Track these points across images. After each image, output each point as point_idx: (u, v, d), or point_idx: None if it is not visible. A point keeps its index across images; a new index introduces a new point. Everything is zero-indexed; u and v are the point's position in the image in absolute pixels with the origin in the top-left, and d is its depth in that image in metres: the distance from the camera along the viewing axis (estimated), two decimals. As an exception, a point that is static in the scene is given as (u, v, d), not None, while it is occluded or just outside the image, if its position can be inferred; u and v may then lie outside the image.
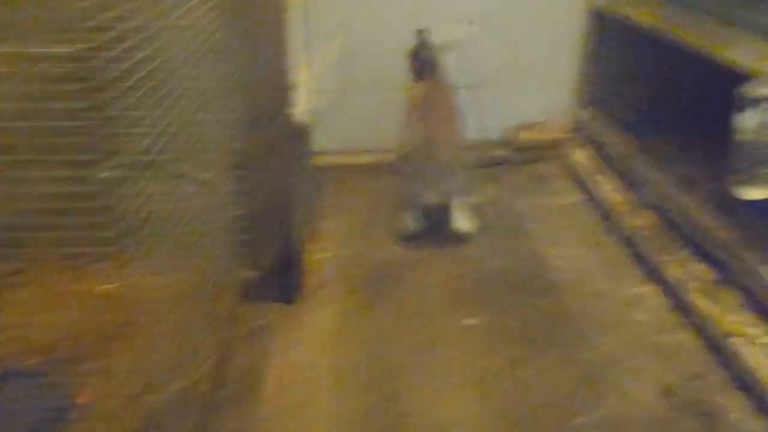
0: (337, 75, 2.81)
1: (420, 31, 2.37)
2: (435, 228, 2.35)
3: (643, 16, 2.29)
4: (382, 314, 1.94)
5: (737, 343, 1.61)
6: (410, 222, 2.33)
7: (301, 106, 1.68)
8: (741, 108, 1.50)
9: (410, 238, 2.34)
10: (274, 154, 1.66)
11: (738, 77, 1.58)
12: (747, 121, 1.49)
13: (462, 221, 2.32)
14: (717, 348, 1.68)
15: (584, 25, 2.75)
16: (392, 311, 1.95)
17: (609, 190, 2.47)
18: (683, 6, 2.04)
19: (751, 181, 1.54)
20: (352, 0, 2.72)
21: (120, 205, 0.97)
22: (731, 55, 1.73)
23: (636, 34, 2.36)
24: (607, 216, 2.38)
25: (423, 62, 2.41)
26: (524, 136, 2.91)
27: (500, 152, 2.91)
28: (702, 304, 1.77)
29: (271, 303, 1.96)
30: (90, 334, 1.51)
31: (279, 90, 1.60)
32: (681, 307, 1.85)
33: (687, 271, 1.92)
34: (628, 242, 2.20)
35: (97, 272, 1.52)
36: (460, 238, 2.32)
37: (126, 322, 1.41)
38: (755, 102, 1.46)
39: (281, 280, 1.94)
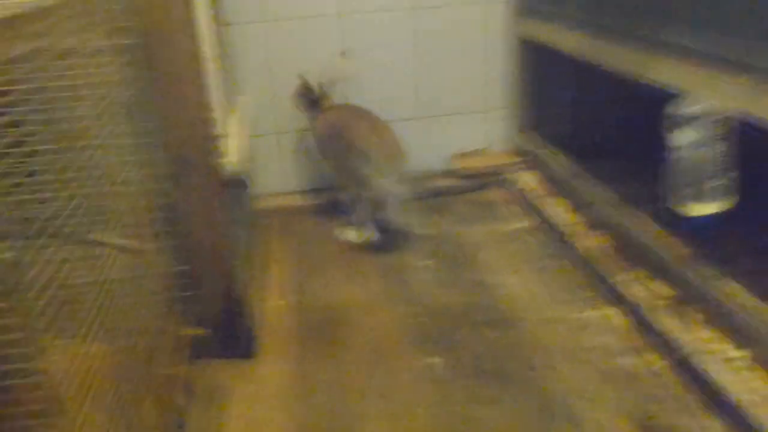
0: (270, 118, 2.77)
1: (300, 75, 2.52)
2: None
3: (565, 42, 2.31)
4: (339, 361, 1.85)
5: (705, 361, 1.57)
6: (371, 230, 2.40)
7: (232, 154, 1.62)
8: (672, 126, 1.49)
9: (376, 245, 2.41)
10: (206, 205, 1.58)
11: (668, 96, 1.59)
12: (679, 139, 1.48)
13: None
14: (685, 367, 1.64)
15: (514, 53, 2.77)
16: (349, 357, 1.87)
17: (557, 212, 2.45)
18: (603, 30, 2.06)
19: (696, 197, 1.53)
20: (275, 44, 2.68)
21: (27, 285, 0.88)
22: (658, 75, 1.74)
23: (564, 59, 2.38)
24: (558, 239, 2.36)
25: (311, 100, 2.52)
26: (468, 163, 2.89)
27: (444, 182, 2.88)
28: (665, 322, 1.73)
29: (222, 360, 1.85)
30: (13, 419, 1.39)
31: (205, 140, 1.53)
32: (644, 327, 1.81)
33: (647, 289, 1.88)
34: (583, 264, 2.17)
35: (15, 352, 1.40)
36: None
37: (55, 401, 1.30)
38: (685, 120, 1.46)
39: (230, 334, 1.85)
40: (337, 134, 2.40)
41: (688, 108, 1.45)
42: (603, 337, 1.85)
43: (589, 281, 2.11)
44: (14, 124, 1.03)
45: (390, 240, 2.50)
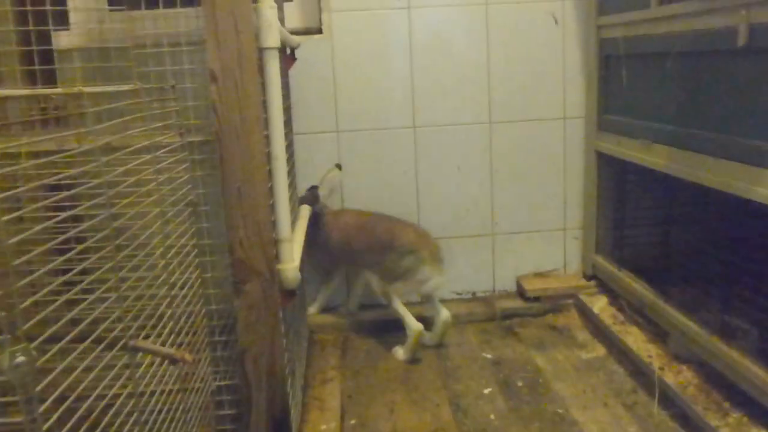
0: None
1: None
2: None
3: (648, 156, 2.19)
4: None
5: None
6: (414, 323, 2.33)
7: (293, 262, 1.53)
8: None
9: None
10: (266, 315, 1.47)
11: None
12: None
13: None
14: None
15: (592, 169, 2.68)
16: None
17: (636, 341, 2.24)
18: (694, 141, 1.94)
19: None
20: (346, 154, 2.67)
21: (44, 395, 0.78)
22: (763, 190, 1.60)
23: (645, 176, 2.25)
24: (638, 372, 2.14)
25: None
26: (538, 285, 2.74)
27: (513, 303, 2.73)
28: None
29: (264, 488, 1.68)
30: None
31: (269, 244, 1.45)
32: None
33: (749, 437, 1.65)
34: (668, 403, 1.94)
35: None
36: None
37: None
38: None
39: (275, 460, 1.68)
40: (367, 234, 2.41)
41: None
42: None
43: (678, 423, 1.87)
44: (76, 219, 0.98)
45: (445, 360, 2.33)
